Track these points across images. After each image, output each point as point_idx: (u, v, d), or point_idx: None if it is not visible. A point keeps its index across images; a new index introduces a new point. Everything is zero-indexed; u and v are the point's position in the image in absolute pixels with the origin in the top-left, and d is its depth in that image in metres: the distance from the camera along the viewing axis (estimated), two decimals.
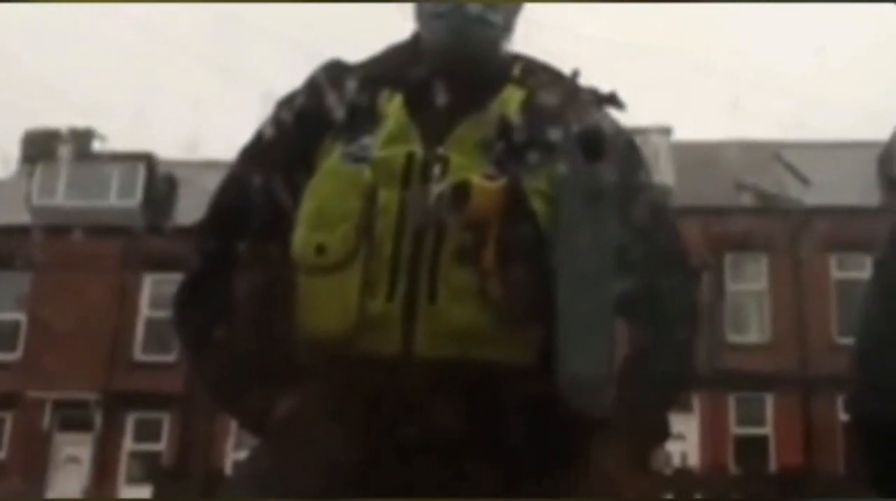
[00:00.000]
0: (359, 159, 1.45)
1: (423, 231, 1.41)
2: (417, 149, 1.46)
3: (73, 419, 19.61)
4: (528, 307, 1.39)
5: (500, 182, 1.40)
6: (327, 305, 1.40)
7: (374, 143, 1.46)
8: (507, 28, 1.57)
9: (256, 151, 1.59)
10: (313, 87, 1.56)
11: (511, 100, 1.52)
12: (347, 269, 1.40)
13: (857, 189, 19.59)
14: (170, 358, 18.33)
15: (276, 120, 1.59)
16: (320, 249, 1.41)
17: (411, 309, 1.39)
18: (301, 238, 1.43)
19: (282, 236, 1.46)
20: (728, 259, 19.55)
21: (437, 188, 1.41)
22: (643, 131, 18.65)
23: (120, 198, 20.92)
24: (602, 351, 1.39)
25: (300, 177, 1.48)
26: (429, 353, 1.38)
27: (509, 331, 1.40)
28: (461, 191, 1.38)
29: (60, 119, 22.16)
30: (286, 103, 1.59)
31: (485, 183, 1.39)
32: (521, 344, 1.41)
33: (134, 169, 21.14)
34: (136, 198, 20.94)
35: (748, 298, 19.69)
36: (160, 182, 21.34)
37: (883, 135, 20.81)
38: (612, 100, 1.55)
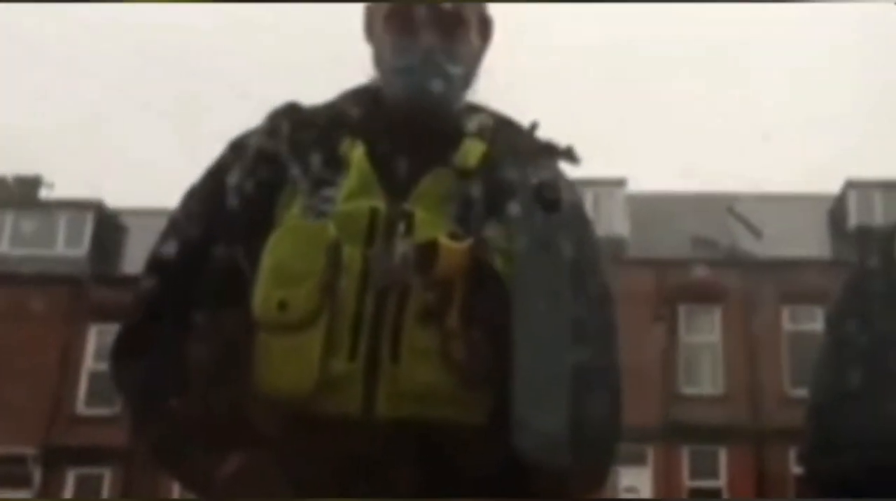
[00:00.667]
0: (321, 213, 1.43)
1: (386, 290, 1.40)
2: (381, 203, 1.45)
3: (10, 475, 18.99)
4: (490, 369, 1.39)
5: (466, 243, 1.39)
6: (288, 364, 1.38)
7: (336, 196, 1.45)
8: (467, 80, 1.57)
9: (206, 194, 1.54)
10: (270, 131, 1.52)
11: (472, 153, 1.51)
12: (310, 328, 1.38)
13: (808, 241, 19.82)
14: (113, 410, 17.86)
15: (228, 162, 1.54)
16: (282, 306, 1.39)
17: (373, 368, 1.38)
18: (262, 294, 1.40)
19: (234, 289, 1.43)
20: (682, 310, 19.61)
21: (401, 246, 1.40)
22: (598, 183, 18.78)
23: (67, 246, 20.49)
24: (560, 410, 1.39)
25: (257, 226, 1.44)
26: (390, 414, 1.37)
27: (470, 393, 1.40)
28: (428, 252, 1.37)
29: (7, 166, 21.70)
30: (239, 145, 1.55)
31: (451, 243, 1.38)
32: (481, 405, 1.40)
33: (82, 217, 20.74)
34: (83, 247, 20.53)
35: (701, 350, 19.72)
36: (109, 230, 20.94)
37: (833, 188, 21.13)
38: (568, 154, 1.54)
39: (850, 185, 20.62)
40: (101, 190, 21.57)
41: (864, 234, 18.11)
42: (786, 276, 18.85)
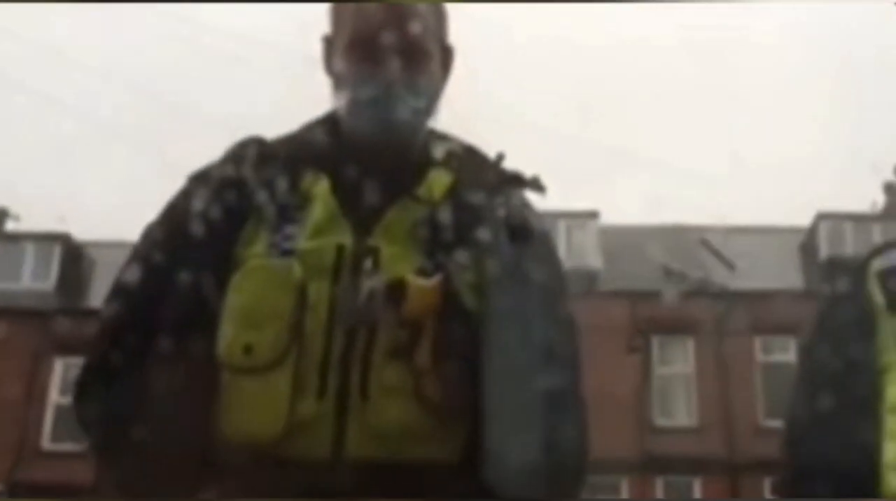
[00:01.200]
0: (285, 251, 1.41)
1: (355, 328, 1.37)
2: (347, 240, 1.43)
3: None
4: (463, 405, 1.37)
5: (435, 280, 1.39)
6: (255, 407, 1.36)
7: (299, 232, 1.43)
8: (429, 110, 1.55)
9: (170, 221, 1.51)
10: (233, 165, 1.50)
11: (438, 184, 1.50)
12: (277, 370, 1.36)
13: (780, 273, 19.90)
14: (80, 445, 17.53)
15: (190, 198, 1.50)
16: (248, 349, 1.37)
17: (343, 407, 1.35)
18: (228, 337, 1.38)
19: (199, 316, 1.40)
20: (655, 342, 19.60)
21: (368, 284, 1.37)
22: (571, 215, 18.81)
23: (34, 279, 20.21)
24: (533, 441, 1.37)
25: (219, 263, 1.42)
26: (361, 454, 1.35)
27: (443, 429, 1.38)
28: (396, 290, 1.36)
29: None
30: (202, 177, 1.52)
31: (420, 281, 1.38)
32: (454, 442, 1.39)
33: (49, 249, 20.47)
34: (50, 280, 20.26)
35: (675, 381, 19.70)
36: (76, 263, 20.66)
37: (804, 221, 21.25)
38: (535, 184, 1.52)
39: (822, 218, 20.77)
40: (68, 222, 21.22)
41: (836, 265, 18.21)
42: (758, 307, 18.92)
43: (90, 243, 20.81)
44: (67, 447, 18.19)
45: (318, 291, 1.39)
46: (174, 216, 1.51)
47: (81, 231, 20.93)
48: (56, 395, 19.23)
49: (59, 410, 18.97)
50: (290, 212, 1.45)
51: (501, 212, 1.46)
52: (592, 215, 20.39)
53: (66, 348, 17.96)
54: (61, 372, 19.08)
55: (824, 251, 20.19)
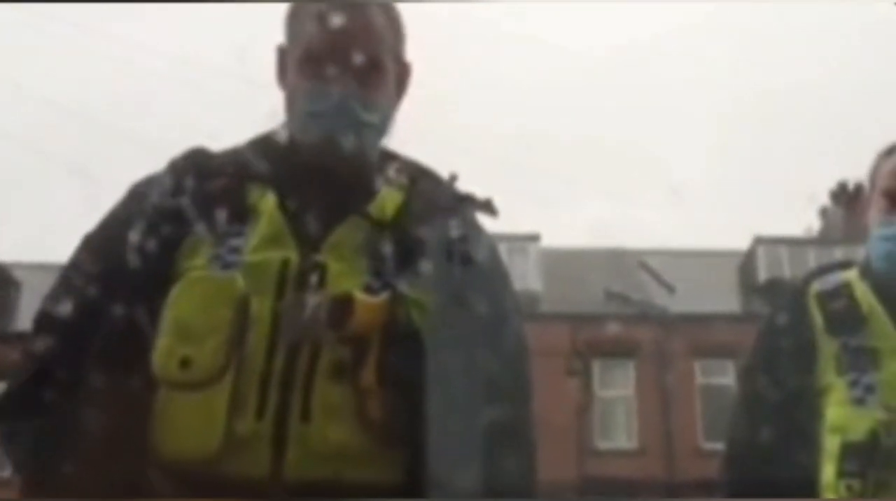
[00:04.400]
0: (228, 264, 1.36)
1: (297, 345, 1.32)
2: (292, 254, 1.38)
3: None
4: (406, 428, 1.33)
5: (382, 297, 1.35)
6: (191, 424, 1.31)
7: (244, 246, 1.38)
8: (383, 128, 1.50)
9: (105, 244, 1.45)
10: (175, 177, 1.44)
11: (388, 203, 1.46)
12: (215, 386, 1.30)
13: (719, 296, 20.13)
14: (4, 474, 17.10)
15: (129, 210, 1.45)
16: (185, 363, 1.31)
17: (282, 428, 1.30)
18: (164, 350, 1.32)
19: (133, 350, 1.34)
20: (596, 365, 19.69)
21: (313, 299, 1.33)
22: (512, 238, 18.86)
23: None
24: (475, 467, 1.34)
25: (158, 279, 1.37)
26: (300, 476, 1.30)
27: (385, 452, 1.34)
28: (342, 306, 1.31)
29: None
30: (140, 191, 1.46)
31: (367, 298, 1.34)
32: (396, 465, 1.35)
33: None
34: None
35: (616, 404, 19.80)
36: (1, 285, 20.14)
37: (742, 244, 21.58)
38: (487, 206, 1.50)
39: (759, 242, 21.09)
40: None
41: (774, 289, 18.48)
42: (698, 331, 19.11)
43: (14, 264, 20.36)
44: None
45: (261, 306, 1.34)
46: (109, 239, 1.45)
47: (6, 253, 20.47)
48: None
49: None
50: (234, 226, 1.40)
51: (450, 235, 1.43)
52: (533, 238, 20.49)
53: None
54: None
55: (762, 274, 20.50)
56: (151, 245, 1.40)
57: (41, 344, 1.42)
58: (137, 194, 1.48)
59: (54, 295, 1.46)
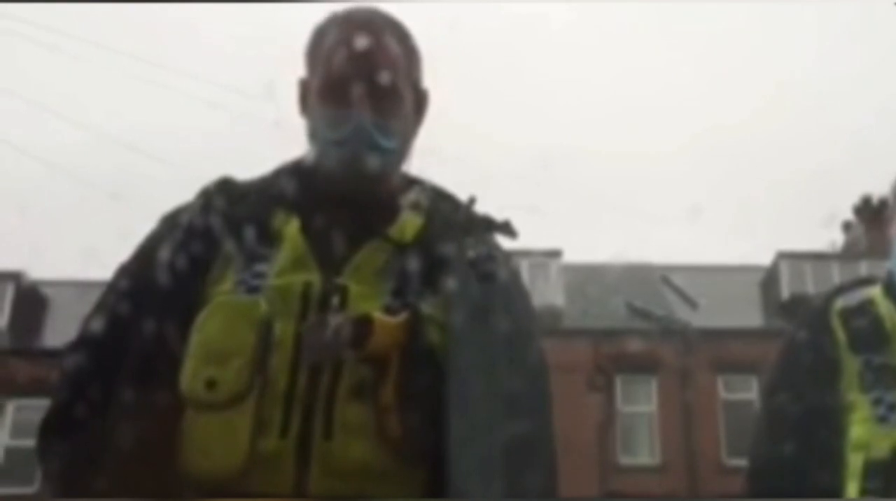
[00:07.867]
0: (253, 288, 1.41)
1: (319, 365, 1.36)
2: (315, 278, 1.42)
3: None
4: (426, 446, 1.35)
5: (402, 317, 1.38)
6: (216, 443, 1.34)
7: (268, 271, 1.43)
8: (402, 153, 1.55)
9: (138, 271, 1.51)
10: (203, 206, 1.50)
11: (409, 227, 1.50)
12: (239, 406, 1.35)
13: (741, 312, 20.02)
14: (30, 490, 17.11)
15: (161, 239, 1.50)
16: (210, 384, 1.35)
17: (305, 446, 1.34)
18: (190, 371, 1.37)
19: (163, 367, 1.38)
20: (618, 380, 19.60)
21: (335, 320, 1.35)
22: (533, 254, 18.84)
23: None
24: (496, 485, 1.36)
25: (188, 303, 1.42)
26: (322, 492, 1.33)
27: (406, 469, 1.37)
28: (362, 327, 1.34)
29: None
30: (172, 220, 1.52)
31: (386, 318, 1.36)
32: (417, 482, 1.38)
33: (2, 287, 20.08)
34: (3, 319, 19.85)
35: (638, 420, 19.70)
36: (30, 302, 20.25)
37: (764, 260, 21.45)
38: (506, 228, 1.54)
39: (782, 257, 20.97)
40: (25, 260, 20.81)
41: (797, 305, 18.36)
42: (720, 346, 19.00)
43: (44, 281, 20.50)
44: (17, 490, 17.74)
45: (284, 328, 1.38)
46: (142, 261, 1.51)
47: (36, 270, 20.59)
48: (7, 437, 18.74)
49: (10, 452, 18.44)
50: (259, 251, 1.45)
51: (470, 256, 1.46)
52: (555, 254, 20.46)
53: (19, 389, 17.58)
54: (13, 414, 18.63)
55: (785, 290, 20.36)
56: (182, 268, 1.45)
57: (77, 361, 1.47)
58: (169, 220, 1.54)
59: (92, 315, 1.52)
